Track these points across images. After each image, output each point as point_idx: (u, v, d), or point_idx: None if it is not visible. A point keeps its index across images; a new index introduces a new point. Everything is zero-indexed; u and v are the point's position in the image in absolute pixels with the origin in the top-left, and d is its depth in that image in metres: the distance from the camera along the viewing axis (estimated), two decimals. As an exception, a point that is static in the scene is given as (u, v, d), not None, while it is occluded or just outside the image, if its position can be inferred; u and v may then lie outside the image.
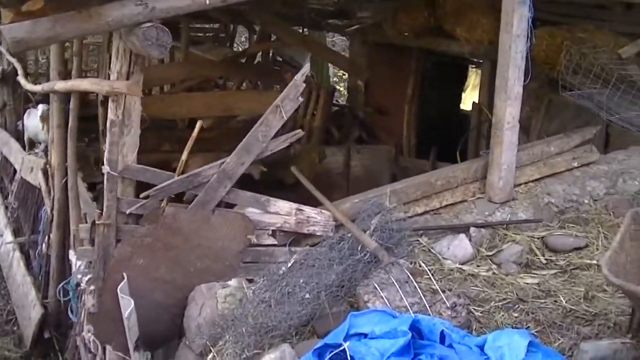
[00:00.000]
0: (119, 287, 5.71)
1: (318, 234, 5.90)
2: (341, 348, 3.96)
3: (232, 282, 5.79)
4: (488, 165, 6.45)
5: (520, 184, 6.67)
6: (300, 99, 5.78)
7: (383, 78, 12.12)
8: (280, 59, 14.89)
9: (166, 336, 6.15)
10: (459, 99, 13.12)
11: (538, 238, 6.07)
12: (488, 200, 6.46)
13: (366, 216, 5.82)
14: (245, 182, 6.13)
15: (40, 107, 11.88)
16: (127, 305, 5.70)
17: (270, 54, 14.85)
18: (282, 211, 5.87)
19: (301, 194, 12.70)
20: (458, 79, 13.02)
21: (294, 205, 5.88)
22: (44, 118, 11.68)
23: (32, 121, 12.03)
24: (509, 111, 6.29)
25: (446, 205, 6.44)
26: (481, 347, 4.07)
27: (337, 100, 15.13)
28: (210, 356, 5.00)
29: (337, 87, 15.81)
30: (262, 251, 5.92)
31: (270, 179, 13.33)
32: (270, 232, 5.92)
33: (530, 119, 9.27)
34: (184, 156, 5.83)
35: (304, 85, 5.72)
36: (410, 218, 6.22)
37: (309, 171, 12.43)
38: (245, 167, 5.77)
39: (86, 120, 9.20)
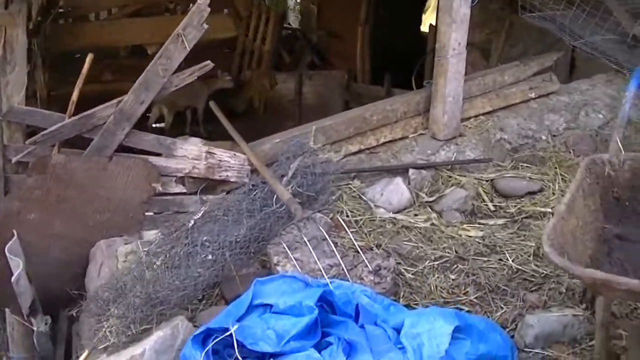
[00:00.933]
0: (7, 247, 4.95)
1: (232, 180, 5.12)
2: (227, 333, 3.24)
3: (136, 237, 5.02)
4: (431, 98, 5.65)
5: (469, 118, 5.93)
6: (205, 26, 4.90)
7: (336, 2, 11.20)
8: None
9: (69, 297, 5.41)
10: (418, 21, 12.18)
11: (487, 181, 5.35)
12: (431, 137, 5.71)
13: (285, 159, 5.05)
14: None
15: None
16: (16, 267, 4.95)
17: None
18: (190, 155, 5.07)
19: (253, 123, 12.03)
20: (417, -1, 12.09)
21: (204, 148, 5.09)
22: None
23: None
24: (454, 37, 5.49)
25: (384, 143, 5.68)
26: (399, 330, 3.35)
27: (289, 23, 14.15)
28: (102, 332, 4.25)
29: (292, 9, 14.78)
30: (169, 200, 5.16)
31: (221, 107, 12.58)
32: (178, 179, 5.12)
33: (491, 42, 8.48)
34: (75, 96, 4.96)
35: (209, 9, 4.85)
36: (343, 159, 5.47)
37: (259, 98, 11.71)
38: (144, 106, 4.95)
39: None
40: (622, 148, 3.91)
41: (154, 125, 11.09)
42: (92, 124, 4.96)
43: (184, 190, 5.16)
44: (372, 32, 10.41)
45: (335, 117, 5.65)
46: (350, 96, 10.82)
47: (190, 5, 13.93)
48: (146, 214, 5.16)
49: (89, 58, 5.04)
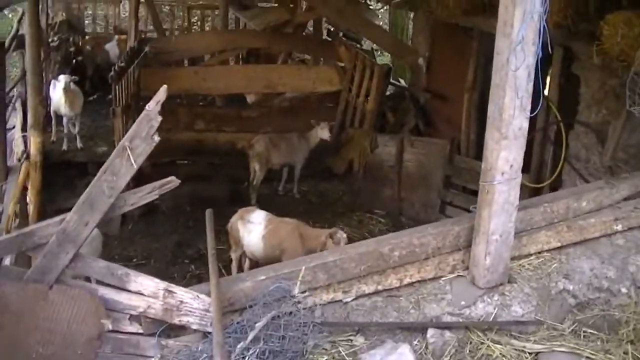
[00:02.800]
0: None
1: (193, 327, 4.12)
2: None
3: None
4: (474, 232, 4.39)
5: (527, 256, 4.59)
6: (157, 138, 3.97)
7: (445, 59, 9.98)
8: (335, 30, 12.86)
9: None
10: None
11: (530, 354, 4.01)
12: (471, 283, 4.42)
13: (263, 305, 3.99)
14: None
15: (61, 78, 10.63)
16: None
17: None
18: (145, 291, 4.13)
19: (350, 186, 11.01)
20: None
21: (162, 285, 4.11)
22: (66, 90, 10.43)
23: (56, 93, 10.82)
24: (503, 156, 4.22)
25: (410, 284, 4.46)
26: None
27: (398, 80, 12.99)
28: None
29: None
30: (124, 340, 4.25)
31: (318, 167, 11.74)
32: (133, 317, 4.19)
33: (607, 124, 7.01)
34: (11, 211, 4.22)
35: (160, 118, 3.91)
36: (352, 301, 4.35)
37: (359, 160, 10.69)
38: (90, 228, 4.07)
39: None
40: None
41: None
42: (33, 242, 4.15)
43: (140, 331, 4.22)
44: (480, 99, 9.05)
45: (341, 251, 4.51)
46: (452, 170, 9.60)
47: (293, 54, 13.35)
48: (98, 351, 4.27)
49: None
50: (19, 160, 8.07)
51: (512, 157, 4.25)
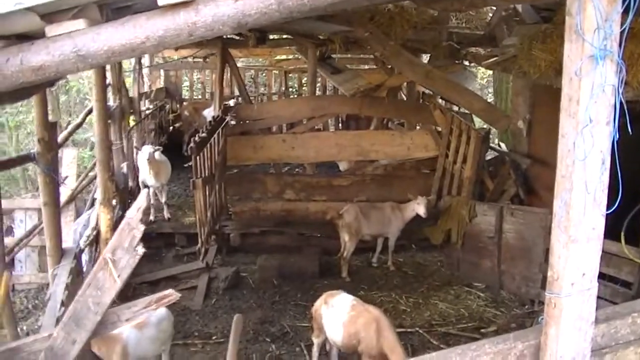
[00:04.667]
0: None
1: None
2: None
3: None
4: (540, 353, 3.62)
5: (613, 381, 3.74)
6: (142, 251, 3.46)
7: (547, 122, 9.17)
8: (430, 93, 12.24)
9: None
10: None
11: None
12: (536, 417, 3.64)
13: None
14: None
15: (145, 149, 10.55)
16: None
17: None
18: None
19: (448, 256, 10.25)
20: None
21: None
22: (150, 161, 10.35)
23: (141, 163, 10.78)
24: (573, 262, 3.45)
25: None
26: None
27: (499, 144, 12.14)
28: None
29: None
30: None
31: (415, 236, 11.04)
32: None
33: None
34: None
35: (143, 227, 3.41)
36: None
37: (457, 230, 9.96)
38: (78, 346, 3.59)
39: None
40: None
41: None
42: (20, 358, 3.72)
43: None
44: (585, 165, 8.16)
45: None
46: (554, 243, 8.65)
47: (385, 120, 12.79)
48: None
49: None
50: (87, 237, 7.88)
51: (585, 263, 3.47)
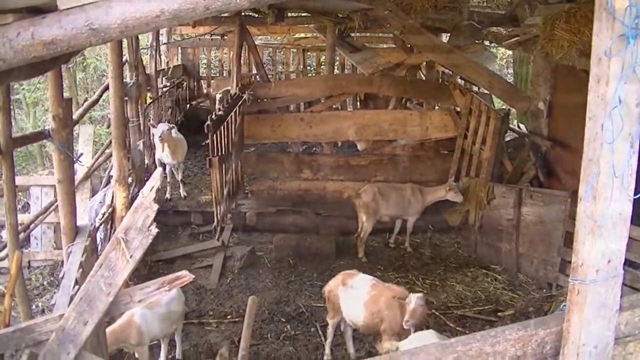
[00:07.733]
0: None
1: None
2: None
3: None
4: (561, 341, 3.52)
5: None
6: (155, 231, 3.38)
7: (568, 103, 9.01)
8: (450, 73, 12.03)
9: None
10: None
11: None
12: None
13: None
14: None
15: (160, 127, 10.47)
16: None
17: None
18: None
19: (466, 238, 10.16)
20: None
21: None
22: (163, 139, 10.28)
23: (156, 141, 10.72)
24: (599, 248, 3.34)
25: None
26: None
27: (518, 126, 11.96)
28: None
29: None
30: None
31: (433, 218, 10.94)
32: None
33: None
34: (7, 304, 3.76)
35: (157, 206, 3.33)
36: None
37: (475, 212, 9.85)
38: (90, 327, 3.52)
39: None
40: None
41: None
42: (32, 338, 3.66)
43: None
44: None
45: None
46: (573, 226, 8.50)
47: (404, 100, 12.63)
48: None
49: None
50: (103, 215, 7.83)
51: (611, 250, 3.36)
